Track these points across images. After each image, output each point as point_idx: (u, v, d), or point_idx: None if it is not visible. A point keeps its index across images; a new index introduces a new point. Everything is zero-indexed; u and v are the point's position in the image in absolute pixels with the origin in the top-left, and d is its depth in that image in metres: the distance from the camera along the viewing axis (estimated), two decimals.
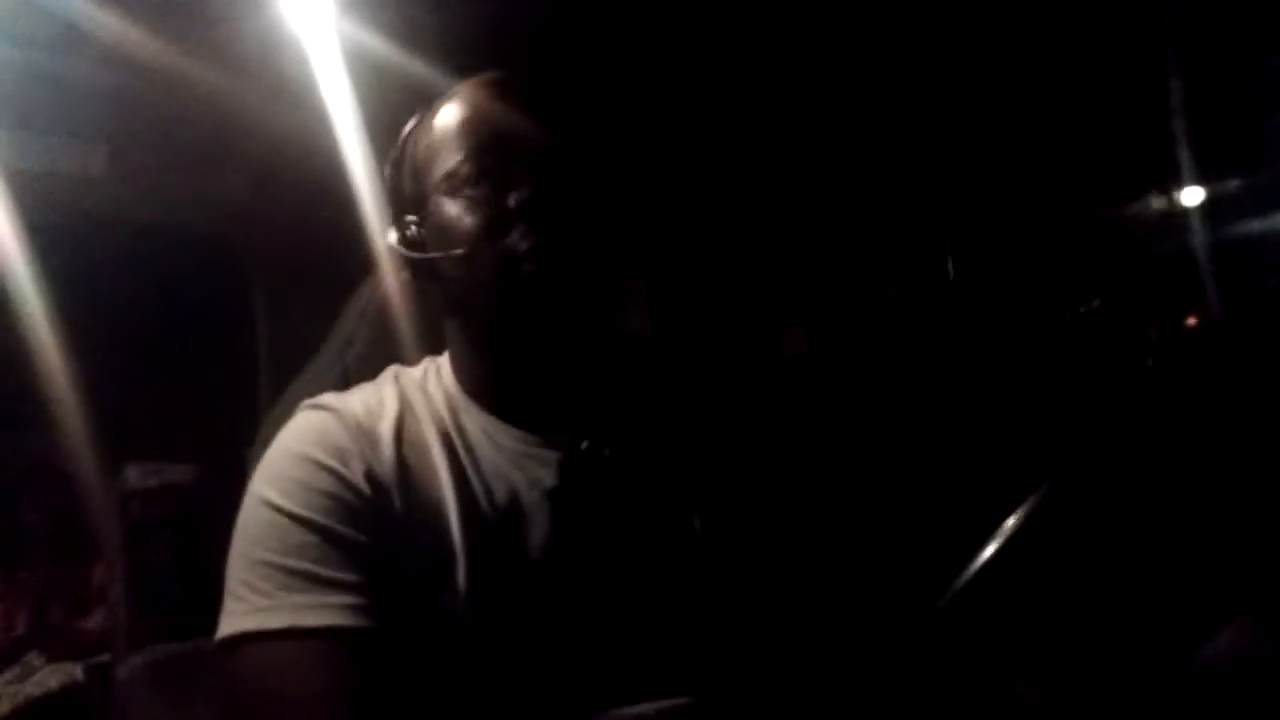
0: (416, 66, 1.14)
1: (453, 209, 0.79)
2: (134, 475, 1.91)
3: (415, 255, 0.81)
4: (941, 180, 1.69)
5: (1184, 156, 1.56)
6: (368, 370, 0.88)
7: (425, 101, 0.88)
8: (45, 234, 1.55)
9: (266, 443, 0.80)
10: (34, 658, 1.94)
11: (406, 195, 0.85)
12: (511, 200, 0.76)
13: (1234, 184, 1.64)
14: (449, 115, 0.82)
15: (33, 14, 1.30)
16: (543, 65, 0.87)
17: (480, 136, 0.79)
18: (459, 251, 0.77)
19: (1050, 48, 1.50)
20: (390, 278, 0.98)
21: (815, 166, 1.65)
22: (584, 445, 0.79)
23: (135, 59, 1.33)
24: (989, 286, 1.72)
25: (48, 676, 1.86)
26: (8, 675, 1.89)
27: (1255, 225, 1.61)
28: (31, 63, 1.40)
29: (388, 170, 0.87)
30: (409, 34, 1.19)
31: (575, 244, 0.77)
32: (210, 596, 0.75)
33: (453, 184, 0.79)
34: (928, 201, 1.70)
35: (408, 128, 0.87)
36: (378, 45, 1.20)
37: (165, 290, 2.12)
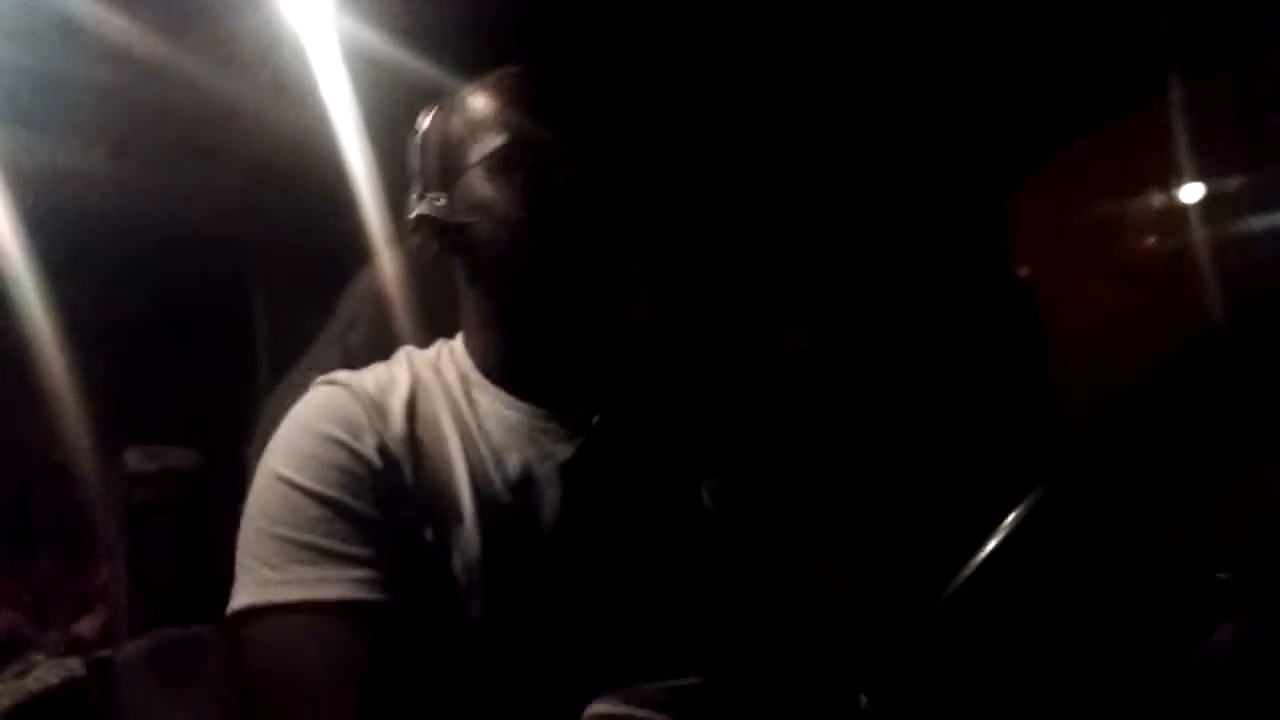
0: (416, 64, 1.14)
1: (493, 186, 0.80)
2: (133, 459, 1.90)
3: (458, 220, 0.82)
4: (942, 180, 1.69)
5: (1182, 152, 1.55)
6: (369, 354, 0.89)
7: (425, 99, 0.89)
8: (45, 231, 1.56)
9: (266, 432, 0.80)
10: (34, 653, 1.94)
11: (432, 172, 0.86)
12: (559, 178, 0.78)
13: (1234, 182, 1.64)
14: (487, 98, 0.84)
15: (33, 11, 1.30)
16: (568, 60, 0.89)
17: (523, 119, 0.81)
18: (517, 215, 0.78)
19: (1048, 47, 1.51)
20: (390, 262, 0.99)
21: (817, 166, 1.65)
22: (596, 419, 0.80)
23: (135, 56, 1.33)
24: (989, 285, 1.72)
25: (49, 672, 1.86)
26: (9, 671, 1.89)
27: (1255, 224, 1.62)
28: (32, 60, 1.40)
29: (413, 148, 0.88)
30: (408, 32, 1.19)
31: (613, 222, 0.79)
32: (210, 581, 0.75)
33: (493, 163, 0.80)
34: (929, 202, 1.70)
35: (432, 111, 0.88)
36: (377, 43, 1.20)
37: (165, 286, 2.12)
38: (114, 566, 1.88)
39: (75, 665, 1.83)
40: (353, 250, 1.04)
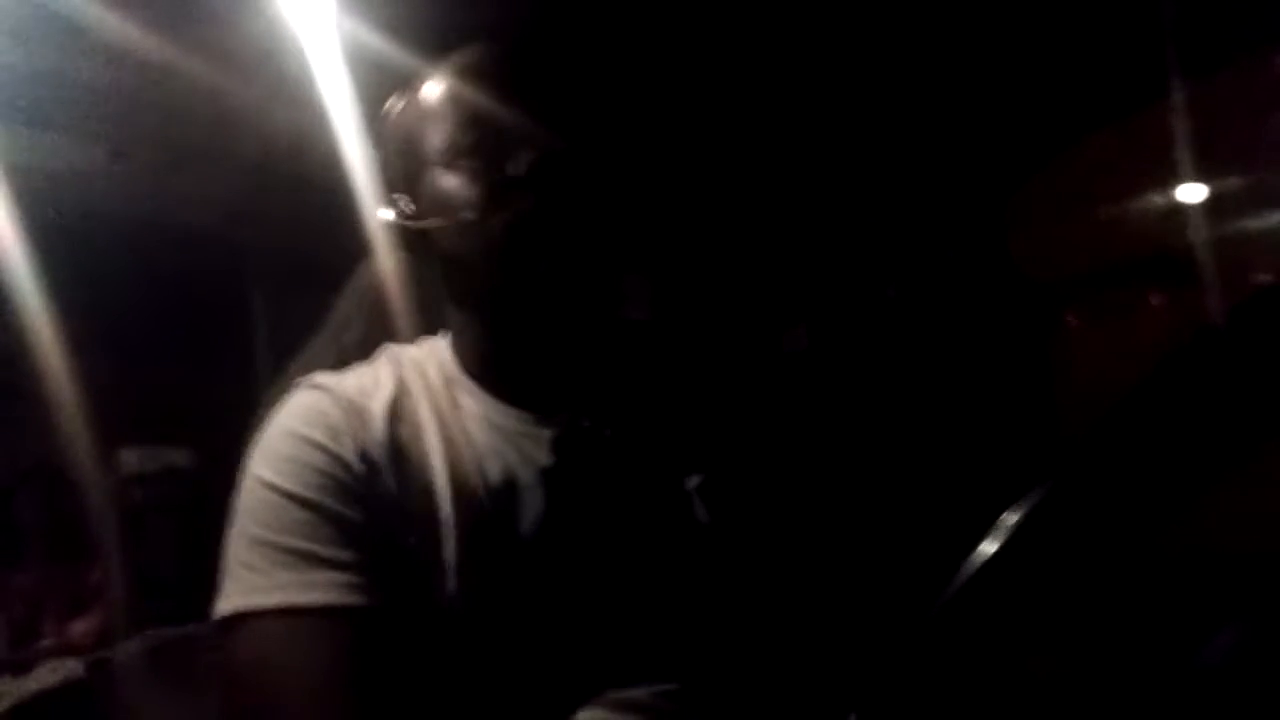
0: (417, 65, 1.14)
1: (451, 180, 0.77)
2: (132, 459, 1.90)
3: (418, 226, 0.79)
4: (941, 179, 1.69)
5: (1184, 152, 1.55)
6: (364, 352, 0.88)
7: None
8: (45, 232, 1.55)
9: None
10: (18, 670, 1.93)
11: (396, 173, 0.83)
12: (511, 167, 0.74)
13: (1235, 182, 1.64)
14: (438, 89, 0.80)
15: (32, 11, 1.29)
16: (531, 44, 0.85)
17: (475, 106, 0.78)
18: (468, 216, 0.75)
19: (1050, 45, 1.51)
20: (387, 259, 0.98)
21: (816, 164, 1.65)
22: (583, 424, 0.79)
23: (135, 56, 1.33)
24: (989, 284, 1.72)
25: (49, 672, 1.86)
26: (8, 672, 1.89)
27: (1256, 224, 1.62)
28: (31, 60, 1.40)
29: (376, 148, 0.86)
30: (410, 32, 1.19)
31: (580, 208, 0.75)
32: (210, 580, 0.75)
33: (449, 156, 0.77)
34: (928, 200, 1.70)
35: (388, 106, 0.85)
36: (378, 44, 1.19)
37: (165, 288, 2.12)
38: (112, 565, 1.88)
39: (75, 666, 1.83)
40: (351, 251, 1.03)
